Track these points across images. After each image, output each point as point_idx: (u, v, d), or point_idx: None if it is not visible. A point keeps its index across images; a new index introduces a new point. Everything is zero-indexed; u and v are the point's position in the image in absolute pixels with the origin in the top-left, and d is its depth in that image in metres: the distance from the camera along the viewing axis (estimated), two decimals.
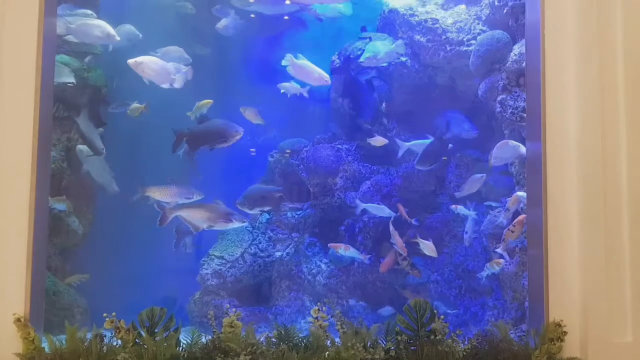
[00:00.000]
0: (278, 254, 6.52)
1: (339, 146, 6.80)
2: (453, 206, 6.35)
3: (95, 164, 6.30)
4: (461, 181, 6.56)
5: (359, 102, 6.87)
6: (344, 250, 6.12)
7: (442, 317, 3.85)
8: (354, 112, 6.87)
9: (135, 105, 6.30)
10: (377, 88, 6.69)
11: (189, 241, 6.49)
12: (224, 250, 6.45)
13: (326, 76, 5.94)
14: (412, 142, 6.39)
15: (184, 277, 6.64)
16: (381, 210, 6.24)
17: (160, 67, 5.89)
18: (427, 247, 5.95)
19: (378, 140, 6.41)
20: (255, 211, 5.95)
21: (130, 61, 5.84)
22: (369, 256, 6.18)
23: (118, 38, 5.98)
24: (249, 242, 6.51)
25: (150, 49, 6.16)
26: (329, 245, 6.36)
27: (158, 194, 5.84)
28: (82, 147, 6.23)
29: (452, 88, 6.64)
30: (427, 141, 6.27)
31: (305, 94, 6.43)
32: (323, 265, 6.42)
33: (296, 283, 6.46)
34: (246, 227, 6.60)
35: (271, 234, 6.59)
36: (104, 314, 3.65)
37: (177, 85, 5.89)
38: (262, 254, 6.49)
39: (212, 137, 5.73)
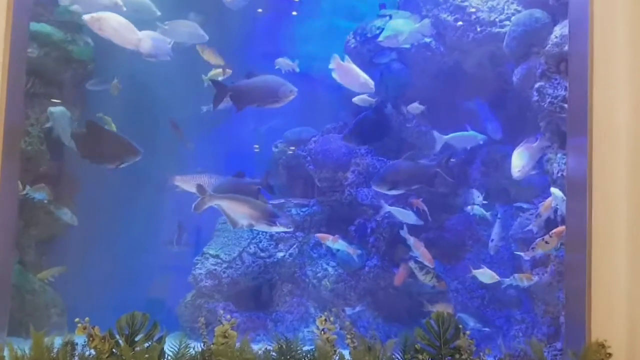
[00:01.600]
0: (280, 254, 6.24)
1: None
2: (468, 207, 6.09)
3: (66, 126, 5.94)
4: (487, 180, 6.30)
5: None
6: (332, 242, 5.82)
7: (467, 332, 3.55)
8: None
9: (114, 83, 6.03)
10: (397, 72, 6.40)
11: (185, 238, 6.27)
12: (220, 248, 6.16)
13: (371, 83, 5.63)
14: (451, 135, 6.02)
15: (175, 277, 6.42)
16: (407, 216, 5.89)
17: (122, 26, 5.48)
18: (487, 275, 5.42)
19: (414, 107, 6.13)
20: None
21: (86, 17, 5.45)
22: (359, 252, 5.87)
23: (125, 8, 5.61)
24: (248, 240, 6.23)
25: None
26: (316, 235, 6.11)
27: (187, 184, 5.64)
28: (52, 109, 5.88)
29: (481, 74, 6.29)
30: (467, 134, 5.94)
31: (296, 69, 6.13)
32: (330, 269, 6.12)
33: (299, 287, 6.18)
34: None
35: (273, 232, 6.26)
36: (76, 319, 3.33)
37: (142, 49, 5.55)
38: (262, 254, 6.22)
39: (261, 94, 5.33)
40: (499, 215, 5.80)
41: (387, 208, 5.93)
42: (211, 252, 6.15)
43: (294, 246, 6.24)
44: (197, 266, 6.10)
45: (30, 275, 5.74)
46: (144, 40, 5.52)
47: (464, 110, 6.42)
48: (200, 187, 5.07)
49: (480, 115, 6.27)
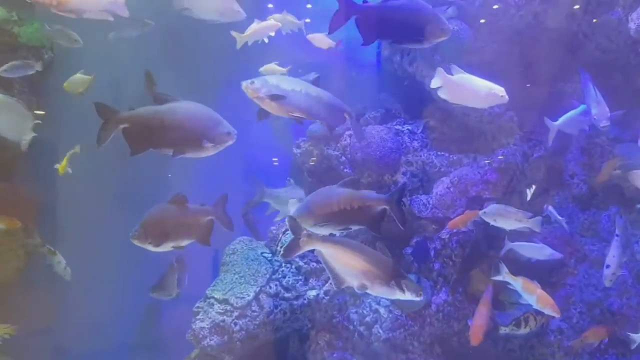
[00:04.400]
0: (312, 293, 5.14)
1: (399, 127, 5.61)
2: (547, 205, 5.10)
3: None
4: (592, 173, 5.19)
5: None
6: None
7: None
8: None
9: (78, 76, 4.95)
10: (456, 34, 5.23)
11: (184, 280, 5.19)
12: (229, 289, 5.02)
13: (501, 91, 4.45)
14: (562, 119, 4.90)
15: (169, 332, 5.43)
16: (539, 250, 4.85)
17: None
18: None
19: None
20: (166, 248, 4.18)
21: None
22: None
23: None
24: (267, 276, 5.12)
25: None
26: None
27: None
28: None
29: (572, 31, 5.21)
30: (579, 112, 4.83)
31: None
32: (382, 310, 4.95)
33: (341, 338, 5.04)
34: (262, 253, 5.27)
35: (300, 263, 5.23)
36: None
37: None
38: (287, 295, 5.11)
39: (401, 25, 4.08)
40: (617, 232, 4.50)
41: (509, 245, 4.87)
42: (217, 295, 4.96)
43: (331, 281, 5.04)
44: (198, 317, 4.93)
45: None
46: None
47: (550, 82, 5.33)
48: (294, 223, 3.77)
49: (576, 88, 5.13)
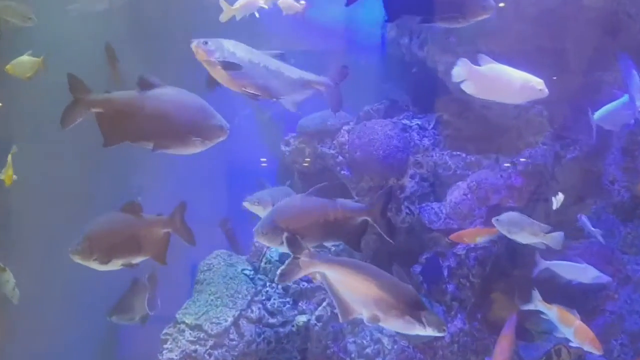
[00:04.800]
0: (302, 319, 4.58)
1: (406, 122, 5.07)
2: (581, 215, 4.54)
3: None
4: (635, 178, 4.59)
5: None
6: None
7: None
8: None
9: (26, 58, 4.38)
10: None
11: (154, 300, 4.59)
12: (202, 313, 4.45)
13: (539, 83, 3.85)
14: (601, 111, 4.25)
15: None
16: (582, 272, 4.20)
17: None
18: None
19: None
20: (114, 266, 3.53)
21: None
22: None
23: None
24: (249, 297, 4.55)
25: None
26: None
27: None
28: None
29: (612, 9, 4.59)
30: (622, 103, 4.13)
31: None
32: (385, 340, 4.36)
33: None
34: (243, 270, 4.71)
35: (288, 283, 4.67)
36: None
37: None
38: (272, 320, 4.56)
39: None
40: None
41: (545, 264, 4.24)
42: (188, 320, 4.40)
43: (324, 304, 4.52)
44: (166, 345, 4.36)
45: None
46: None
47: (586, 69, 4.72)
48: (292, 241, 3.24)
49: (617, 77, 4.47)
